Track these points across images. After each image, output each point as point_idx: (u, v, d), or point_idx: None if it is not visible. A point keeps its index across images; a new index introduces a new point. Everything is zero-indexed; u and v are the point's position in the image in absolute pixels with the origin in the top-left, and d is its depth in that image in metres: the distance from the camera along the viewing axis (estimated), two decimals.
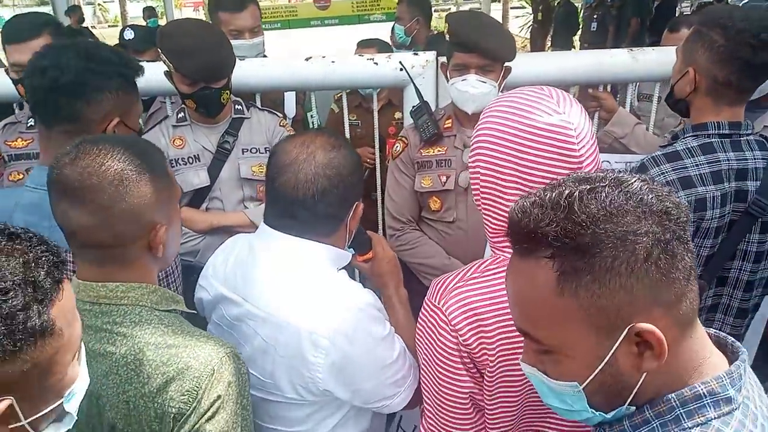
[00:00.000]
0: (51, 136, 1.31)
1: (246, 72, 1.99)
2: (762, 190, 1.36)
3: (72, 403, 0.71)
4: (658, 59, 2.08)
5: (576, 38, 9.48)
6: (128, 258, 0.98)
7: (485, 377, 0.98)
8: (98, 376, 0.94)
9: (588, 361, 0.69)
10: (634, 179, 0.68)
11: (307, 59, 2.12)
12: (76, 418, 0.73)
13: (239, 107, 1.89)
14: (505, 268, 0.85)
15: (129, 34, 2.93)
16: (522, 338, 0.77)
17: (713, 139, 1.37)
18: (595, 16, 8.20)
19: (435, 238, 1.91)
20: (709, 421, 0.66)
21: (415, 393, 1.19)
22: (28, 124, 1.89)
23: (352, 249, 1.29)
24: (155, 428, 0.93)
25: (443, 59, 1.86)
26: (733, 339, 0.75)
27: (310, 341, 1.06)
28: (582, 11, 9.27)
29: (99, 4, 25.93)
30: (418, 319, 1.05)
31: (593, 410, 0.72)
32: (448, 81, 1.79)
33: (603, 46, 7.64)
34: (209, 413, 0.92)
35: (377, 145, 2.35)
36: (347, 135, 2.31)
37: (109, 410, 0.94)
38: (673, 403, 0.68)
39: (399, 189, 1.93)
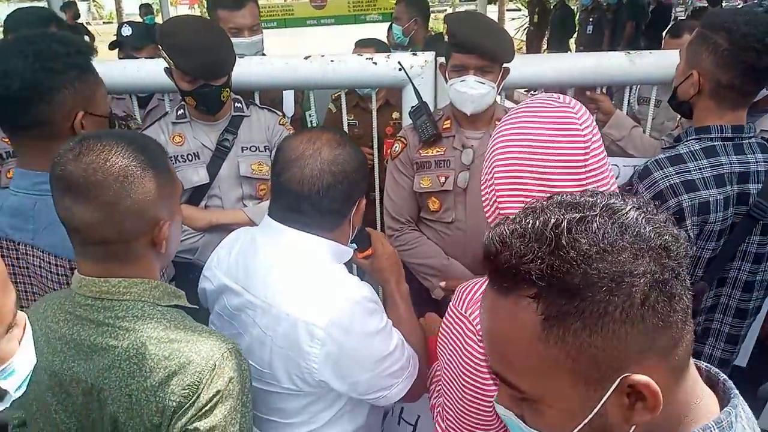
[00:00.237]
0: (20, 143, 1.26)
1: (245, 70, 1.99)
2: (763, 192, 1.38)
3: (10, 381, 0.68)
4: (656, 62, 2.09)
5: (572, 41, 9.53)
6: (131, 254, 0.98)
7: None
8: (100, 369, 0.94)
9: (572, 413, 0.62)
10: (629, 207, 0.61)
11: (306, 58, 2.12)
12: (14, 397, 0.70)
13: (239, 105, 1.89)
14: None
15: (126, 31, 2.91)
16: None
17: (716, 143, 1.39)
18: (590, 19, 8.25)
19: (434, 238, 1.91)
20: None
21: (414, 385, 1.20)
22: None
23: (354, 245, 1.30)
24: (156, 422, 0.93)
25: (442, 60, 1.87)
26: (725, 377, 0.69)
27: (307, 332, 1.08)
28: (578, 14, 9.32)
29: (94, 1, 25.78)
30: (442, 324, 1.05)
31: None
32: (446, 82, 1.80)
33: (599, 49, 7.69)
34: (207, 408, 0.93)
35: (375, 145, 2.35)
36: None
37: (111, 403, 0.94)
38: None
39: (398, 189, 1.93)
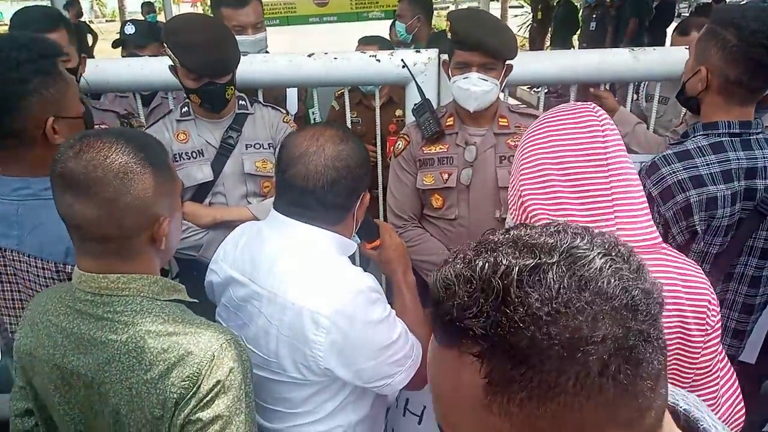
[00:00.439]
0: None
1: (249, 67, 2.00)
2: None
3: None
4: (659, 59, 2.09)
5: (575, 38, 9.50)
6: (131, 250, 0.98)
7: None
8: (100, 363, 0.96)
9: None
10: (595, 254, 0.52)
11: (309, 55, 2.13)
12: None
13: (243, 103, 1.90)
14: None
15: (130, 29, 2.93)
16: None
17: (723, 138, 1.39)
18: (594, 16, 8.21)
19: (437, 235, 1.92)
20: None
21: (418, 373, 1.22)
22: None
23: (357, 237, 1.32)
24: (157, 414, 0.94)
25: (445, 57, 1.87)
26: (704, 425, 0.63)
27: (312, 320, 1.10)
28: (581, 11, 9.29)
29: None
30: None
31: None
32: (449, 79, 1.80)
33: (602, 45, 7.66)
34: (208, 398, 0.94)
35: (379, 143, 2.36)
36: None
37: (112, 396, 0.96)
38: None
39: (401, 186, 1.94)
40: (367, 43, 2.85)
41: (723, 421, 1.03)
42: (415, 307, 1.33)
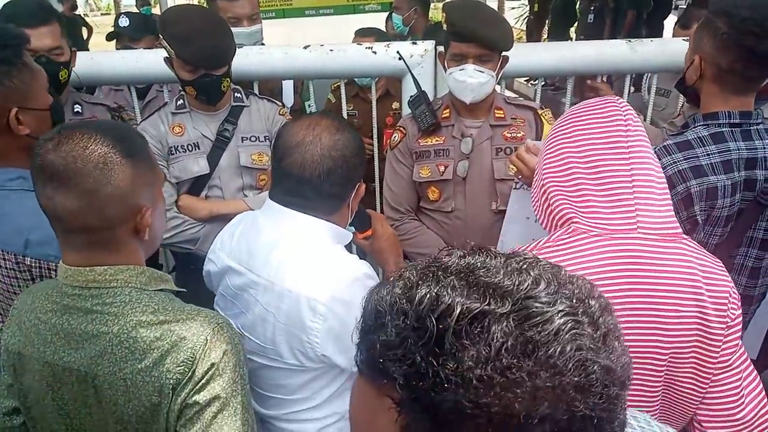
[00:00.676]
0: None
1: (244, 60, 1.99)
2: None
3: None
4: (657, 50, 2.09)
5: (572, 30, 9.46)
6: (115, 242, 0.98)
7: None
8: (92, 357, 0.96)
9: None
10: (555, 310, 0.43)
11: (305, 47, 2.12)
12: None
13: (238, 95, 1.89)
14: (578, 238, 0.92)
15: (124, 22, 2.90)
16: None
17: (724, 129, 1.38)
18: (592, 8, 8.17)
19: (433, 227, 1.92)
20: None
21: None
22: None
23: (353, 227, 1.33)
24: (155, 401, 0.95)
25: (441, 48, 1.87)
26: None
27: (309, 307, 1.11)
28: (579, 3, 9.25)
29: None
30: None
31: None
32: (445, 71, 1.80)
33: (600, 38, 7.63)
34: (204, 380, 0.95)
35: (375, 135, 2.35)
36: None
37: (107, 388, 0.96)
38: None
39: (397, 179, 1.93)
40: (363, 35, 2.85)
41: (748, 422, 1.02)
42: None
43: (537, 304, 0.43)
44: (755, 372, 1.08)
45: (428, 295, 0.45)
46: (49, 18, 1.76)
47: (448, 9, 1.76)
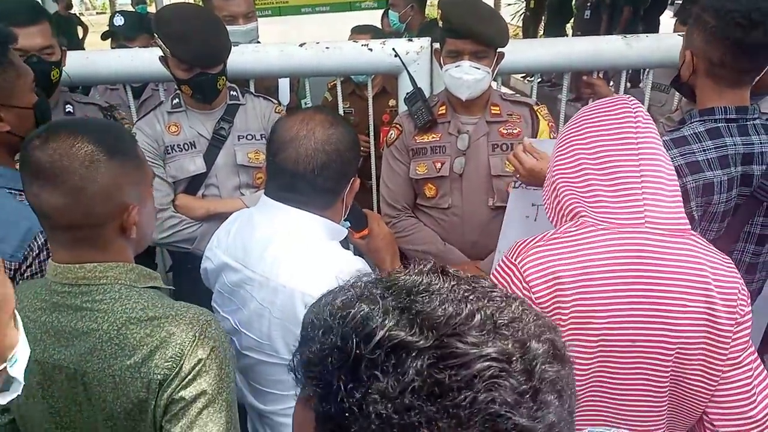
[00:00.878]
0: None
1: (240, 58, 1.98)
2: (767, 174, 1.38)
3: (16, 368, 0.69)
4: (652, 46, 2.09)
5: (569, 26, 9.46)
6: (102, 239, 0.98)
7: None
8: (82, 354, 0.96)
9: None
10: (483, 351, 0.39)
11: (301, 45, 2.11)
12: (23, 384, 0.71)
13: (234, 93, 1.88)
14: (585, 231, 0.93)
15: (119, 21, 2.89)
16: (598, 304, 0.74)
17: (720, 124, 1.39)
18: (588, 4, 8.17)
19: (430, 224, 1.92)
20: None
21: None
22: None
23: (348, 223, 1.33)
24: (142, 396, 0.95)
25: (437, 45, 1.86)
26: None
27: (303, 302, 1.11)
28: None
29: None
30: (491, 275, 1.10)
31: None
32: (441, 67, 1.79)
33: (596, 34, 7.61)
34: (190, 376, 0.95)
35: (372, 133, 2.35)
36: None
37: (96, 385, 0.96)
38: None
39: (394, 176, 1.93)
40: (359, 32, 2.84)
41: (759, 420, 1.01)
42: None
43: (459, 344, 0.39)
44: (766, 371, 1.07)
45: (359, 315, 0.43)
46: (40, 17, 1.75)
47: (443, 6, 1.76)
